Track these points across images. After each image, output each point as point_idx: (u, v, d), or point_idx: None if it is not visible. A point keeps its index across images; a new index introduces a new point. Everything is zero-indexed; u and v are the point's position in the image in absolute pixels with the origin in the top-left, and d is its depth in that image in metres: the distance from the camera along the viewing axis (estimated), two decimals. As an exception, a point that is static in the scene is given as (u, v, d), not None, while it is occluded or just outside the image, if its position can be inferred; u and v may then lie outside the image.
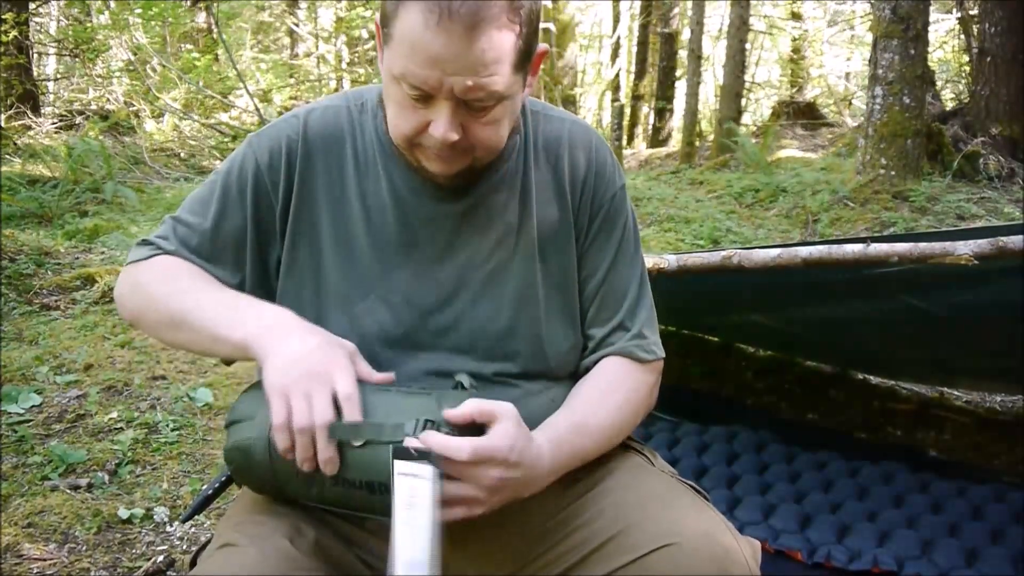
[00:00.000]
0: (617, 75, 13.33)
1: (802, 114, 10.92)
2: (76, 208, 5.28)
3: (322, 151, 1.12)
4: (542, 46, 1.05)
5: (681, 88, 11.30)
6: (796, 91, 13.46)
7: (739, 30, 9.62)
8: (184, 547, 1.96)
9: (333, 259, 1.11)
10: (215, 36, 10.34)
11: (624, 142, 10.37)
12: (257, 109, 7.94)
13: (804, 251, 1.81)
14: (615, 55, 13.73)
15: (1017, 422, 2.83)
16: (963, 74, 8.05)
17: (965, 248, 1.62)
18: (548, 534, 1.06)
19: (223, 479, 1.11)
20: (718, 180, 7.05)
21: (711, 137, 10.50)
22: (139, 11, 9.62)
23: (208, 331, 1.02)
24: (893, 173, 5.59)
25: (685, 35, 11.66)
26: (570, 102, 11.84)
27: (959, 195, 5.48)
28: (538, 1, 1.00)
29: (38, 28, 10.35)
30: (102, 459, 2.27)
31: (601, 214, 1.16)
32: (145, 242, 1.14)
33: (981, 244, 1.61)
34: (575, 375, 1.17)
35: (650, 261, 1.83)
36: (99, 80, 9.89)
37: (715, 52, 13.87)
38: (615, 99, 12.42)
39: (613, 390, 1.13)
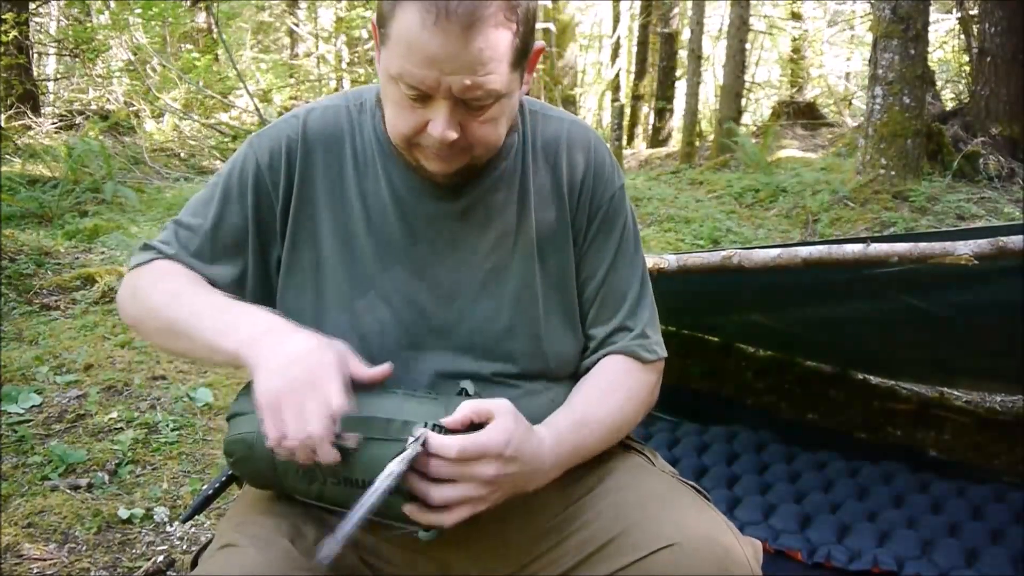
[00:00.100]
0: (617, 75, 13.33)
1: (802, 114, 10.92)
2: (76, 208, 5.28)
3: (322, 151, 1.12)
4: (539, 43, 1.05)
5: (681, 88, 11.30)
6: (796, 91, 13.47)
7: (739, 30, 9.63)
8: (184, 547, 1.96)
9: (333, 258, 1.11)
10: (215, 36, 10.34)
11: (624, 142, 10.37)
12: (257, 109, 7.95)
13: (804, 251, 1.81)
14: (615, 55, 13.73)
15: (1017, 422, 2.83)
16: (963, 74, 8.05)
17: (965, 248, 1.62)
18: (549, 534, 1.06)
19: (223, 479, 1.11)
20: (718, 180, 7.05)
21: (711, 137, 10.51)
22: (139, 11, 9.62)
23: (203, 340, 1.01)
24: (893, 173, 5.59)
25: (685, 35, 11.66)
26: (570, 102, 11.84)
27: (959, 195, 5.48)
28: None
29: (38, 28, 10.35)
30: (102, 459, 2.27)
31: (600, 215, 1.16)
32: (147, 246, 1.15)
33: (981, 244, 1.61)
34: (575, 375, 1.17)
35: (650, 261, 1.83)
36: (99, 80, 9.89)
37: (715, 52, 13.87)
38: (615, 99, 12.42)
39: (615, 388, 1.13)
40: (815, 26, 14.40)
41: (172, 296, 1.06)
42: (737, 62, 9.80)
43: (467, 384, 1.03)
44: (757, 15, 12.67)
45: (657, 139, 12.10)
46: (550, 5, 11.26)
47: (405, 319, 1.10)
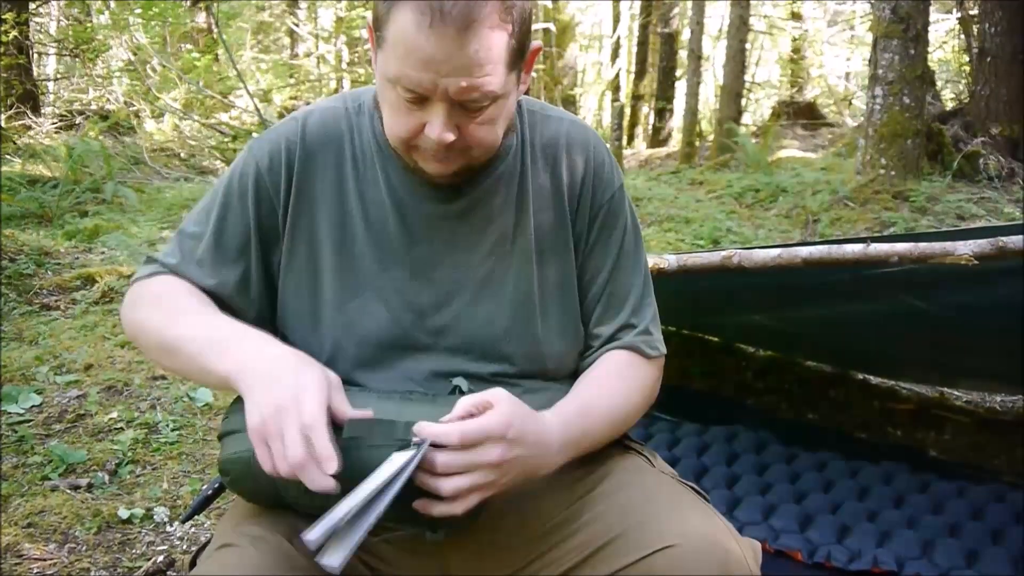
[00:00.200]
0: (617, 75, 13.33)
1: (802, 114, 10.94)
2: (76, 208, 5.28)
3: (321, 153, 1.12)
4: (535, 43, 1.05)
5: (681, 88, 11.31)
6: (796, 91, 13.49)
7: (739, 30, 9.63)
8: (184, 547, 1.96)
9: (332, 260, 1.11)
10: (215, 36, 10.33)
11: (624, 142, 10.37)
12: (257, 109, 7.93)
13: (804, 251, 1.81)
14: (615, 55, 13.73)
15: (1017, 422, 2.83)
16: (963, 74, 8.05)
17: (965, 248, 1.62)
18: (548, 535, 1.06)
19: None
20: (718, 180, 7.05)
21: (711, 137, 10.51)
22: (139, 11, 9.62)
23: (196, 362, 1.01)
24: (893, 173, 5.59)
25: (685, 35, 11.66)
26: (570, 102, 11.85)
27: (959, 195, 5.48)
28: None
29: (38, 28, 10.34)
30: (102, 459, 2.27)
31: (601, 215, 1.17)
32: (150, 260, 1.15)
33: (981, 244, 1.61)
34: (574, 375, 1.17)
35: (650, 261, 1.83)
36: (99, 80, 9.88)
37: (715, 52, 13.88)
38: (615, 99, 12.42)
39: (619, 378, 1.14)
40: (815, 26, 14.41)
41: (170, 315, 1.06)
42: (737, 62, 9.81)
43: (460, 381, 1.03)
44: (757, 15, 12.67)
45: (657, 139, 12.11)
46: (550, 5, 11.27)
47: (403, 320, 1.10)
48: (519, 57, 1.01)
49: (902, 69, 5.51)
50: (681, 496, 1.06)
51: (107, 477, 2.21)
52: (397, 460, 0.88)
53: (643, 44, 13.38)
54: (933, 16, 7.47)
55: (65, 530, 1.96)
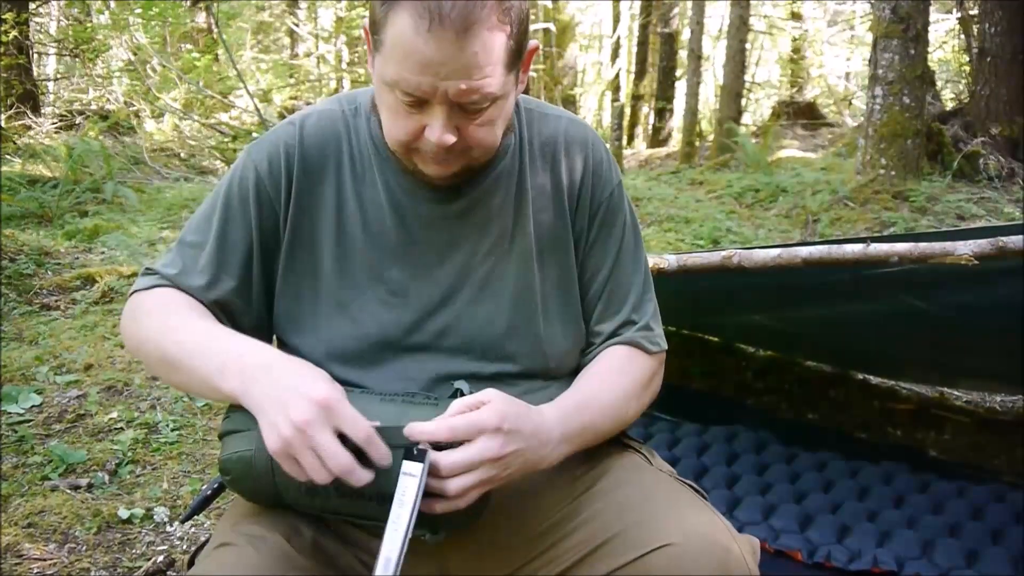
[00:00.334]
0: (617, 75, 13.33)
1: (802, 114, 10.94)
2: (76, 208, 5.28)
3: (319, 156, 1.12)
4: (533, 43, 1.05)
5: (681, 88, 11.31)
6: (796, 91, 13.49)
7: (739, 30, 9.63)
8: (184, 547, 1.96)
9: (332, 262, 1.11)
10: (215, 36, 10.34)
11: (624, 142, 10.38)
12: (257, 109, 7.93)
13: (804, 251, 1.81)
14: (615, 55, 13.73)
15: (1017, 422, 2.83)
16: (963, 74, 8.05)
17: (965, 248, 1.62)
18: (547, 534, 1.06)
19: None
20: (718, 180, 7.05)
21: (711, 137, 10.51)
22: (139, 11, 9.62)
23: (200, 378, 1.00)
24: (893, 173, 5.59)
25: (685, 35, 11.67)
26: (570, 102, 11.85)
27: (959, 195, 5.48)
28: None
29: (38, 28, 10.34)
30: (102, 459, 2.27)
31: (600, 213, 1.17)
32: (149, 271, 1.14)
33: (981, 244, 1.61)
34: (575, 372, 1.17)
35: (650, 261, 1.83)
36: (99, 80, 9.89)
37: (715, 52, 13.89)
38: (615, 99, 12.43)
39: (620, 372, 1.14)
40: (815, 26, 14.41)
41: (170, 330, 1.05)
42: (737, 62, 9.81)
43: (462, 384, 1.03)
44: (757, 15, 12.67)
45: (657, 139, 12.11)
46: (550, 5, 11.26)
47: (404, 321, 1.10)
48: (517, 57, 1.01)
49: (902, 69, 5.51)
50: (679, 494, 1.06)
51: (107, 477, 2.21)
52: (410, 470, 0.89)
53: (643, 44, 13.38)
54: (933, 16, 7.46)
55: (65, 530, 1.96)
